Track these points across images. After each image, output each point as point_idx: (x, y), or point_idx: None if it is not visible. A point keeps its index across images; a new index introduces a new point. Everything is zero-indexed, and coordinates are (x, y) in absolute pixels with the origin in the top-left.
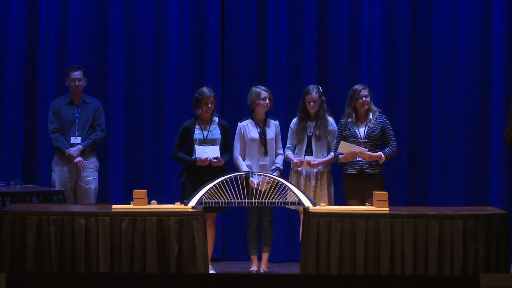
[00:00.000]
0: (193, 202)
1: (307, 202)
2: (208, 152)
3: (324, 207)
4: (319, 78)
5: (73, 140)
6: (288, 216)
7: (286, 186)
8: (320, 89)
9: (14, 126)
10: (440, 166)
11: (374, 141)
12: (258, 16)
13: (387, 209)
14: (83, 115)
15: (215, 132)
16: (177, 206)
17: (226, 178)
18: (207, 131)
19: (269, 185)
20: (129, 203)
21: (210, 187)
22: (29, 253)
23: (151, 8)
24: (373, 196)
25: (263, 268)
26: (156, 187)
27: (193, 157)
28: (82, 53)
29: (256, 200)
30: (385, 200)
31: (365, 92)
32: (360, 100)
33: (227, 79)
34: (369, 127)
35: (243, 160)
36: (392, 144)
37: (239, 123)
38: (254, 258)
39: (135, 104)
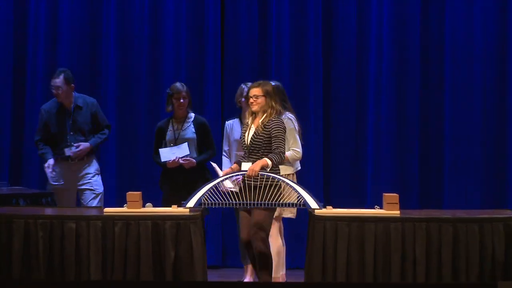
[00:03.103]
0: (191, 203)
1: (313, 204)
2: (177, 152)
3: (330, 210)
4: (325, 74)
5: (67, 152)
6: (291, 219)
7: (279, 184)
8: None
9: (1, 126)
10: (454, 166)
11: (259, 148)
12: (260, 9)
13: (398, 212)
14: (76, 123)
15: (188, 131)
16: (174, 209)
17: (226, 177)
18: (179, 131)
19: (236, 185)
20: (123, 206)
21: (210, 187)
22: (15, 259)
23: (146, 0)
24: (383, 198)
25: None
26: (151, 189)
27: (161, 161)
28: (73, 47)
29: (258, 202)
30: (396, 203)
31: (253, 91)
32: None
33: (227, 76)
34: (255, 131)
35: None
36: (275, 149)
37: (226, 121)
38: (246, 267)
39: (129, 101)
